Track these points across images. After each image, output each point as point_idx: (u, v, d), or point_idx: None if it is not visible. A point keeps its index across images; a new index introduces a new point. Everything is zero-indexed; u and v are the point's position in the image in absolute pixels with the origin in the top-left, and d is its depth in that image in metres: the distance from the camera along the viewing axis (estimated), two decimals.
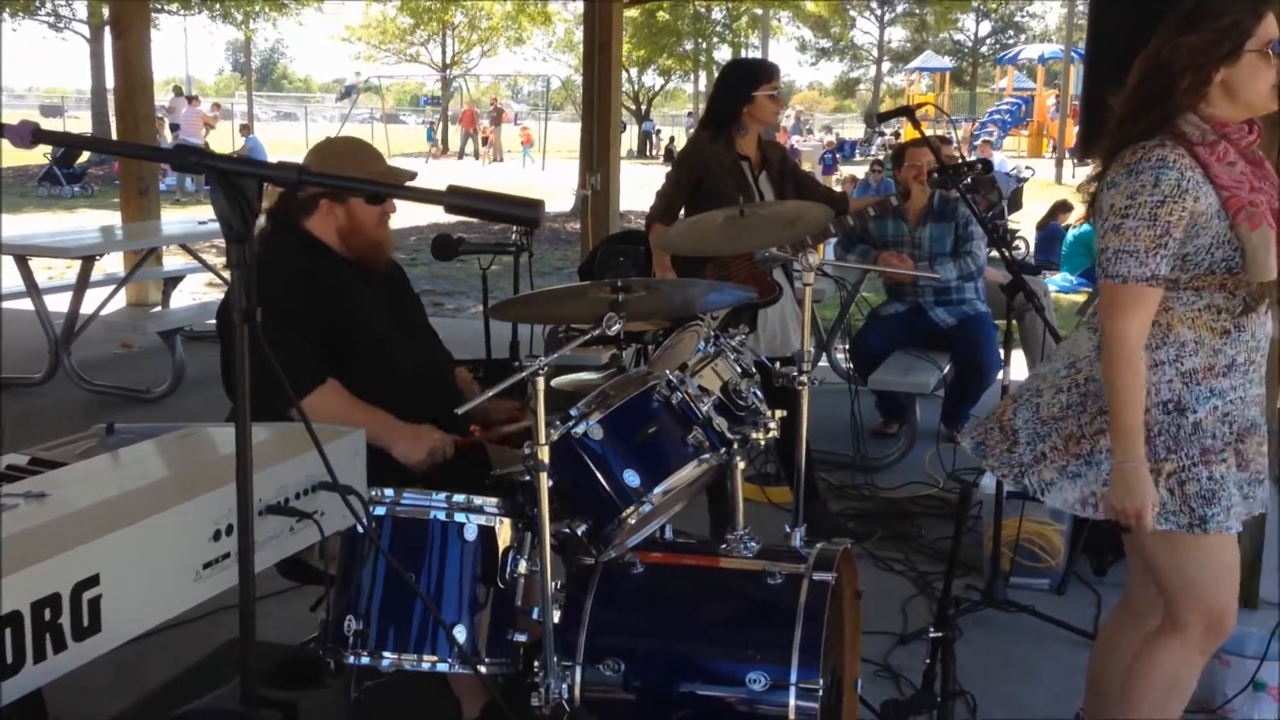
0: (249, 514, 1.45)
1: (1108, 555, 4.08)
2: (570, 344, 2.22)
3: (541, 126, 32.82)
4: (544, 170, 27.27)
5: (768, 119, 4.20)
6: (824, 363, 6.82)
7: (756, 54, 35.01)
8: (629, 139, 35.06)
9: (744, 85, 4.13)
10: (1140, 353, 2.31)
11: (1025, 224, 12.87)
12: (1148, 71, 2.35)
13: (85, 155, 20.24)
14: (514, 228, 3.68)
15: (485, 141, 33.56)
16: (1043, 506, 3.92)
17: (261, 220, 2.83)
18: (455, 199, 1.41)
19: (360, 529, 1.89)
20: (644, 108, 38.16)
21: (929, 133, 4.90)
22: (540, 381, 2.17)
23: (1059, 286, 10.35)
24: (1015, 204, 12.84)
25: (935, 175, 3.98)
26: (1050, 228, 12.28)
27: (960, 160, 4.12)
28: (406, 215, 8.35)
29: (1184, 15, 2.31)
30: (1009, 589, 3.86)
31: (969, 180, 4.00)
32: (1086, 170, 2.53)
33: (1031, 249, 12.36)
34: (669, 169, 4.36)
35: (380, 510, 2.37)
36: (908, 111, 3.82)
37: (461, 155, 34.56)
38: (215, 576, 1.65)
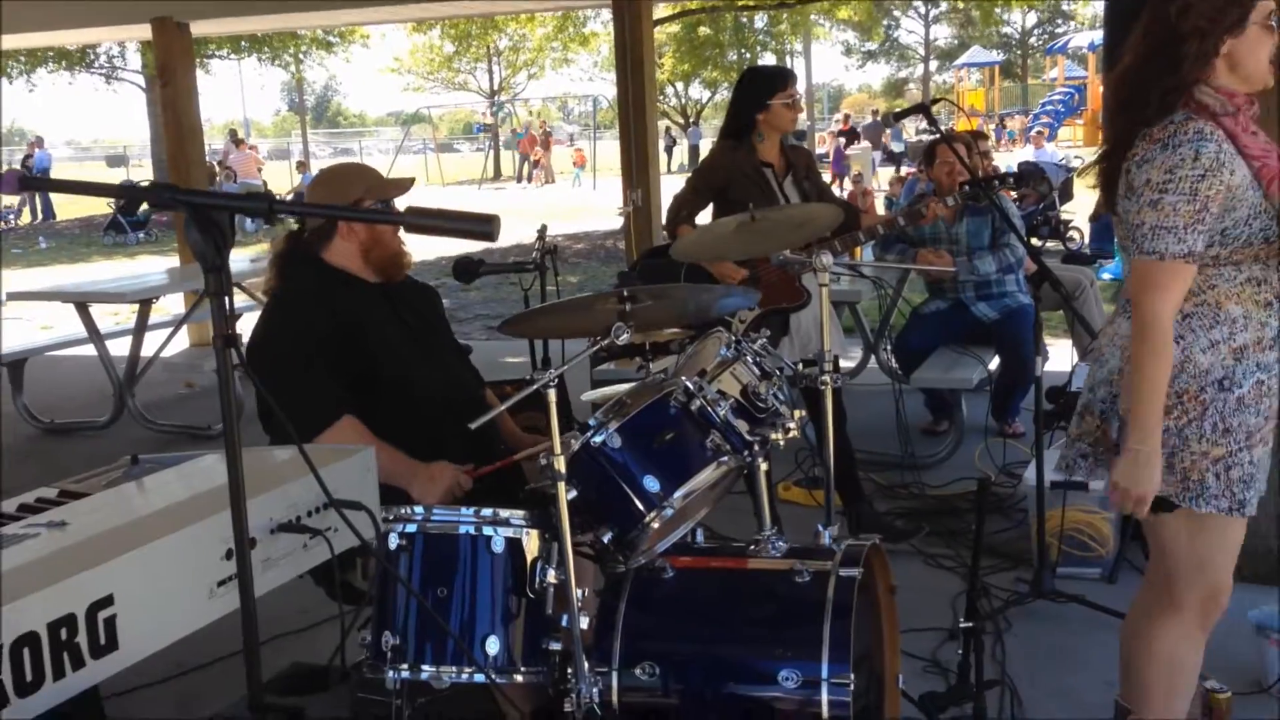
0: (243, 534, 1.52)
1: None
2: (578, 356, 2.26)
3: (591, 146, 33.09)
4: (595, 189, 27.43)
5: (785, 126, 4.22)
6: (872, 364, 6.81)
7: (800, 60, 35.00)
8: (680, 153, 35.13)
9: (759, 94, 4.16)
10: (1170, 335, 2.27)
11: (1079, 214, 12.71)
12: (1152, 39, 2.32)
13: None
14: (535, 247, 3.78)
15: (537, 165, 33.87)
16: (1089, 496, 3.91)
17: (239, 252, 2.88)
18: (412, 218, 1.48)
19: (360, 542, 1.95)
20: (693, 120, 38.23)
21: (976, 127, 4.88)
22: (552, 393, 2.23)
23: (1113, 274, 10.20)
24: (1066, 194, 12.68)
25: (965, 187, 3.99)
26: (1105, 217, 12.11)
27: (992, 164, 4.12)
28: (432, 245, 8.47)
29: None
30: (1059, 580, 3.84)
31: (999, 186, 4.01)
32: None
33: (1086, 238, 12.21)
34: (690, 175, 4.41)
35: (412, 527, 2.44)
36: (924, 109, 3.83)
37: (519, 179, 34.92)
38: (230, 594, 1.72)
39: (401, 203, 2.59)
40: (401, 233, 2.99)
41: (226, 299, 1.36)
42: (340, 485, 2.00)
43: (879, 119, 27.90)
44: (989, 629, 3.52)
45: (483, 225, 1.45)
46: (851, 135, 26.13)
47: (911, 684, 2.96)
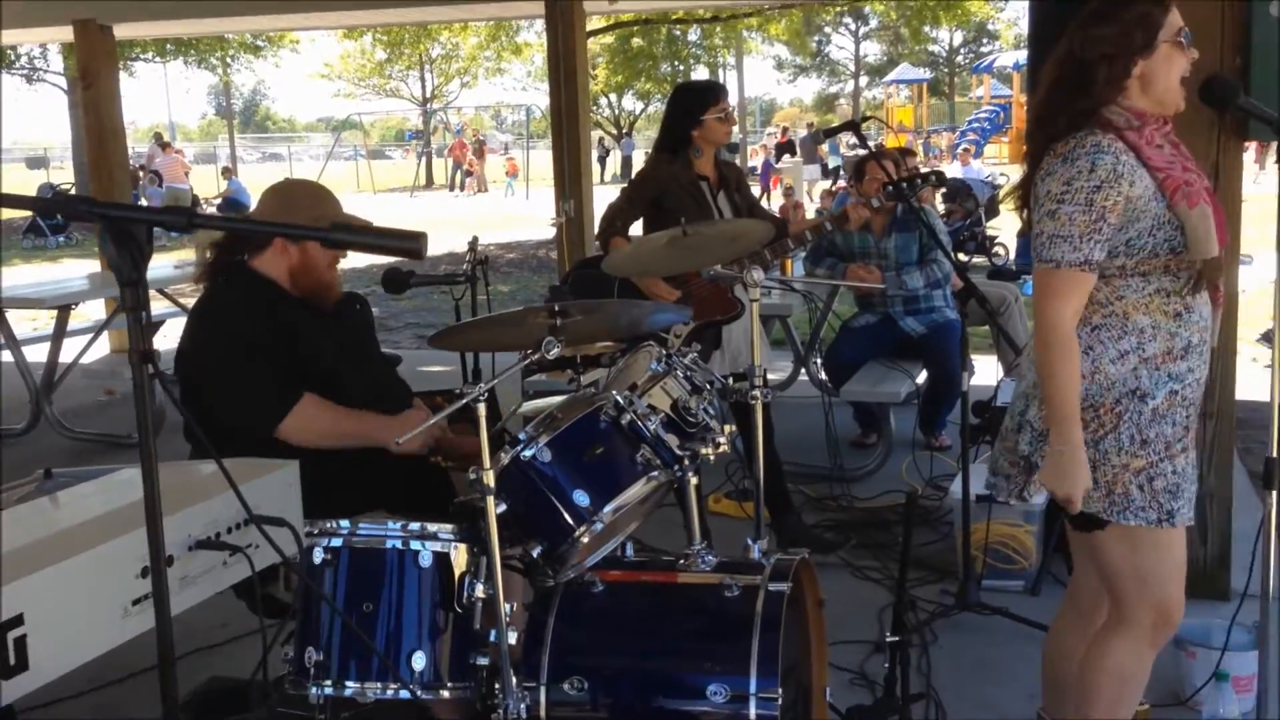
0: (159, 552, 1.48)
1: None
2: (508, 370, 2.25)
3: (525, 155, 33.02)
4: (528, 199, 27.36)
5: (719, 139, 4.24)
6: (802, 376, 6.86)
7: (733, 73, 35.25)
8: (614, 163, 35.19)
9: (692, 109, 4.16)
10: (1074, 339, 2.32)
11: (1005, 230, 12.93)
12: (1063, 68, 2.38)
13: None
14: (466, 259, 3.75)
15: (469, 174, 33.73)
16: (1013, 509, 3.96)
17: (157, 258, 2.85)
18: (339, 235, 1.46)
19: (282, 559, 1.91)
20: (626, 131, 38.32)
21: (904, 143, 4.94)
22: (482, 407, 2.21)
23: None
24: (992, 210, 12.90)
25: (889, 188, 4.02)
26: None
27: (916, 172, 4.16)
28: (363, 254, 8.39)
29: (1092, 11, 2.36)
30: (984, 592, 3.89)
31: (921, 185, 4.04)
32: None
33: (1012, 254, 12.42)
34: (625, 185, 4.41)
35: (337, 541, 2.41)
36: (853, 126, 3.87)
37: (451, 187, 34.73)
38: (146, 612, 1.67)
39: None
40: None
41: (144, 313, 1.32)
42: (263, 500, 1.96)
43: (812, 133, 28.17)
44: (915, 641, 3.55)
45: (409, 242, 1.43)
46: (789, 148, 26.34)
47: (839, 696, 2.98)
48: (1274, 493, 2.58)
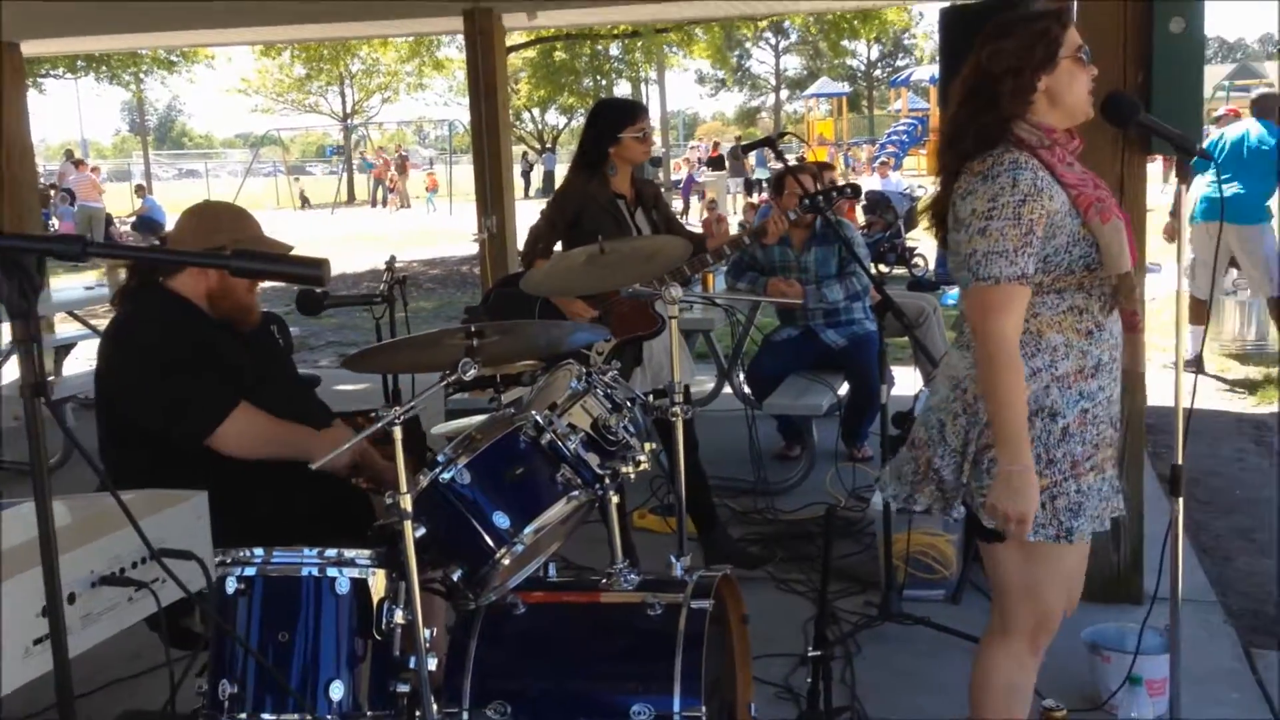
0: (55, 591, 1.43)
1: None
2: (426, 392, 2.23)
3: (448, 170, 32.84)
4: (451, 214, 27.22)
5: (636, 158, 4.23)
6: (726, 390, 6.89)
7: (655, 87, 35.38)
8: (537, 178, 35.13)
9: (610, 127, 4.16)
10: (1019, 354, 2.33)
11: (924, 241, 13.12)
12: (972, 84, 2.42)
13: None
14: (385, 279, 3.72)
15: (392, 189, 33.47)
16: (934, 519, 4.01)
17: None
18: (240, 262, 1.43)
19: (187, 594, 1.87)
20: (550, 146, 38.28)
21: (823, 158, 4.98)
22: (397, 431, 2.18)
23: (956, 300, 10.55)
24: (911, 222, 13.07)
25: (805, 202, 4.06)
26: None
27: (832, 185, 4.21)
28: None
29: (996, 26, 2.41)
30: (906, 602, 3.93)
31: (837, 197, 4.08)
32: None
33: (931, 265, 12.60)
34: (544, 207, 4.40)
35: (250, 570, 2.35)
36: (770, 142, 3.90)
37: (374, 203, 34.44)
38: (48, 652, 1.62)
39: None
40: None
41: (35, 345, 1.28)
42: (170, 533, 1.91)
43: (731, 149, 28.34)
44: (839, 654, 3.58)
45: (312, 269, 1.41)
46: (719, 162, 26.45)
47: (765, 711, 2.99)
48: (1179, 499, 2.65)
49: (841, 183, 4.88)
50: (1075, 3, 3.82)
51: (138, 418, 2.77)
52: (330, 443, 2.71)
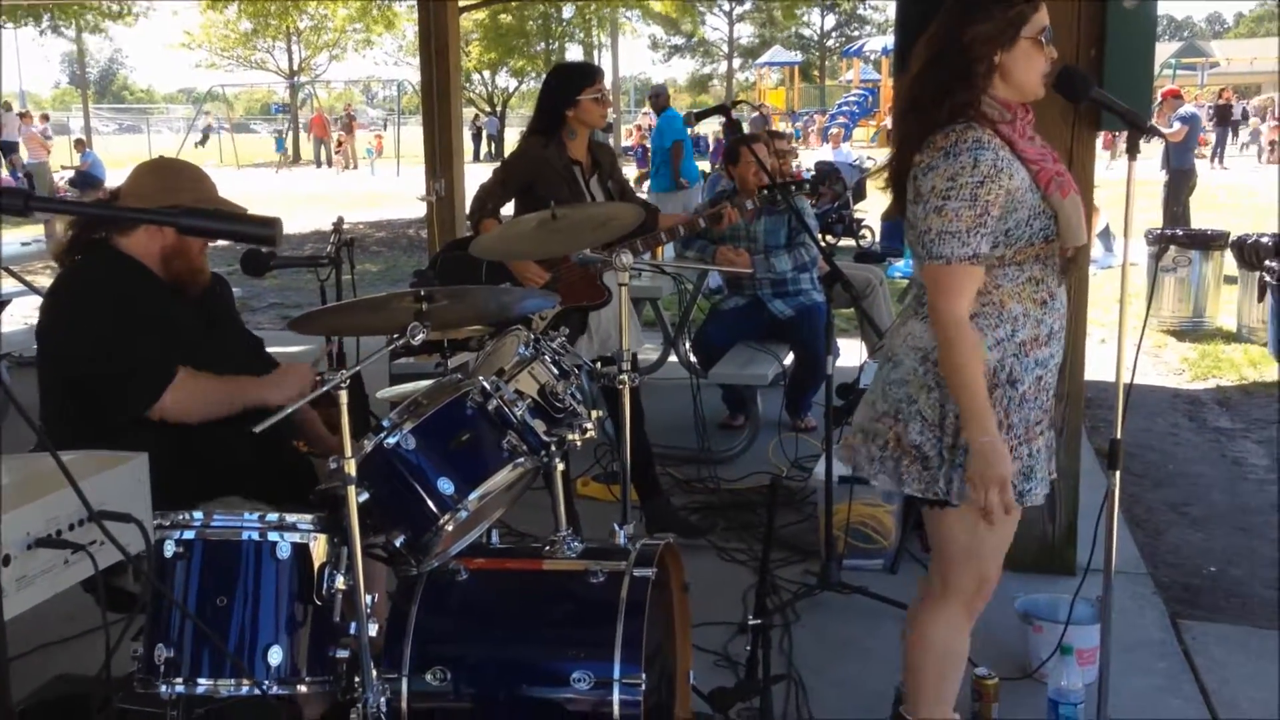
0: None
1: None
2: (372, 356, 2.21)
3: (395, 132, 32.47)
4: (399, 176, 26.92)
5: (595, 121, 4.21)
6: (672, 358, 6.90)
7: (607, 53, 35.20)
8: (485, 141, 34.85)
9: (567, 90, 4.13)
10: (972, 331, 2.36)
11: (872, 213, 13.20)
12: (939, 54, 2.40)
13: None
14: (331, 240, 3.67)
15: (339, 149, 33.01)
16: (873, 489, 4.05)
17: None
18: (190, 220, 1.40)
19: (126, 557, 1.84)
20: (500, 109, 37.95)
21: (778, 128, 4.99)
22: (343, 395, 2.16)
23: (904, 273, 10.65)
24: (860, 194, 13.15)
25: (763, 192, 4.09)
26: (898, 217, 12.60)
27: (796, 160, 4.22)
28: None
29: (972, 3, 2.38)
30: (845, 572, 3.97)
31: (797, 191, 4.11)
32: None
33: (877, 237, 12.69)
34: (496, 167, 4.35)
35: (189, 534, 2.33)
36: (723, 110, 3.90)
37: (317, 164, 33.92)
38: None
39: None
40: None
41: None
42: (109, 495, 1.88)
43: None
44: (778, 622, 3.61)
45: (263, 229, 1.39)
46: None
47: (703, 679, 3.01)
48: (1116, 473, 2.70)
49: (798, 166, 4.91)
50: None
51: (79, 380, 2.70)
52: (280, 382, 2.68)
